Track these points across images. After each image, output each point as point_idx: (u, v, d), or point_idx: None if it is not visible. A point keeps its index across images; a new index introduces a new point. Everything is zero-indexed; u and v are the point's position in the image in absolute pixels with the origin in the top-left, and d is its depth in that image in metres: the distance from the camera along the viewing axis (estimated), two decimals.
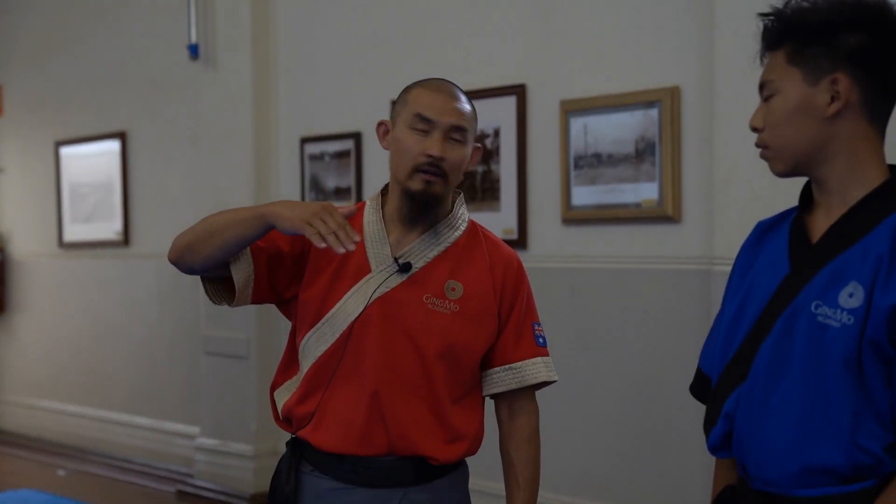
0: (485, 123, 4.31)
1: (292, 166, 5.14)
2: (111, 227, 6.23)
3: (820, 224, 1.64)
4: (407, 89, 2.06)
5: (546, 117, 4.12)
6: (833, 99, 1.59)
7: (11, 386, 7.05)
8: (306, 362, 2.04)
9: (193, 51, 5.25)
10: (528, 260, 4.20)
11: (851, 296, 1.54)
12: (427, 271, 2.02)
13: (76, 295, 6.49)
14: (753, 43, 1.73)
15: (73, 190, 6.51)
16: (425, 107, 1.99)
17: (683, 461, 3.70)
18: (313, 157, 5.05)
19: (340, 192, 4.92)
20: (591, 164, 3.96)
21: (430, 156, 1.96)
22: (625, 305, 3.92)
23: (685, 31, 3.73)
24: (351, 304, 2.00)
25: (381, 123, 2.09)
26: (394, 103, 2.11)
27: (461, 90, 2.08)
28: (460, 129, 1.99)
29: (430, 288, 2.01)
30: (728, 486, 1.78)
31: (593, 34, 4.00)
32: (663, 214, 3.77)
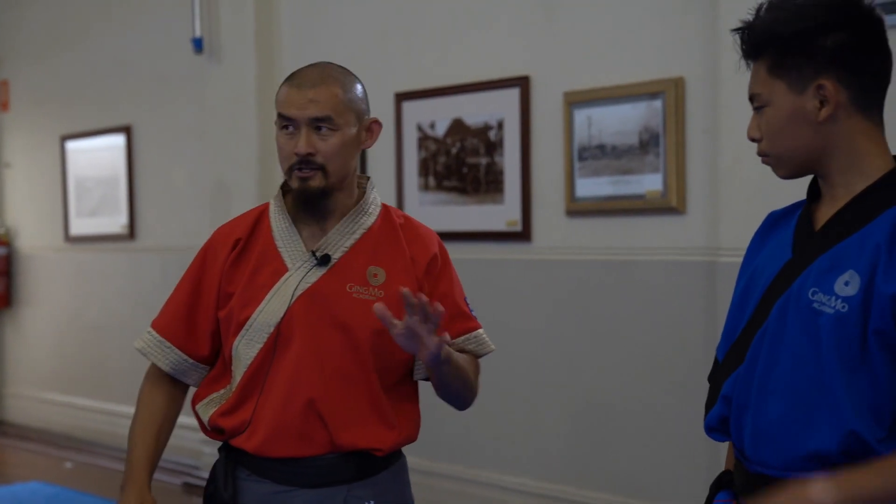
0: (489, 115, 4.31)
1: None
2: (117, 221, 6.24)
3: (824, 214, 1.66)
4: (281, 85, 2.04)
5: (550, 109, 4.12)
6: (822, 104, 1.60)
7: (19, 379, 7.08)
8: (238, 370, 2.01)
9: (198, 45, 5.26)
10: (532, 252, 4.21)
11: (847, 284, 1.55)
12: (346, 260, 2.01)
13: (82, 288, 6.51)
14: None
15: (78, 184, 6.52)
16: (284, 105, 1.97)
17: (689, 451, 3.71)
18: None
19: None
20: (595, 155, 3.96)
21: (298, 154, 1.94)
22: (630, 297, 3.92)
23: (689, 22, 3.72)
24: (273, 306, 1.98)
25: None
26: None
27: (335, 70, 2.03)
28: (324, 119, 1.95)
29: (352, 277, 2.00)
30: (726, 470, 1.81)
31: (597, 26, 3.99)
32: (668, 206, 3.77)
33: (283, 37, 5.18)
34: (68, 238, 6.62)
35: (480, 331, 2.10)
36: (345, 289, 1.98)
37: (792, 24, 1.60)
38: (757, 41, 1.64)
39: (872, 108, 1.63)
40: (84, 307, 6.50)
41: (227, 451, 2.06)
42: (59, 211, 6.68)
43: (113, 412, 6.29)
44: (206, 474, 5.31)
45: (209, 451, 5.36)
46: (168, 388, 2.13)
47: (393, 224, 2.08)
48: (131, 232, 6.15)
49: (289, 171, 1.98)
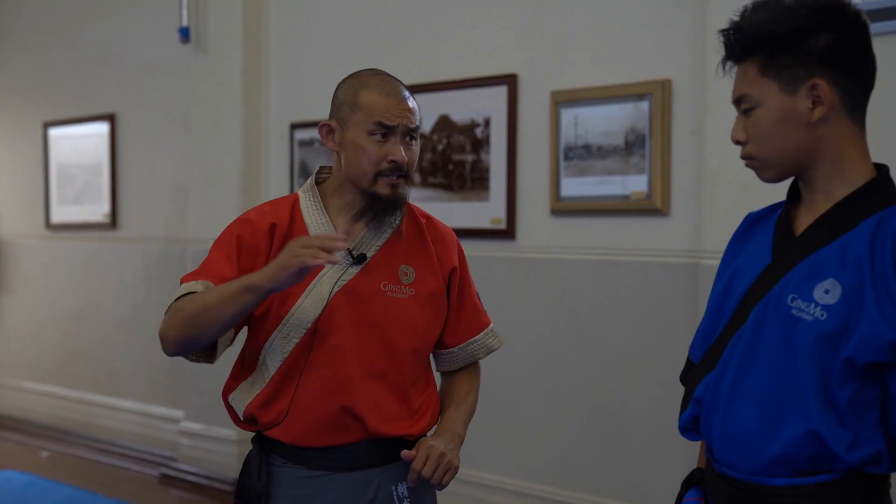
0: (475, 113, 4.31)
1: (281, 151, 5.13)
2: (99, 210, 6.20)
3: (805, 219, 1.66)
4: (354, 90, 2.07)
5: (537, 108, 4.12)
6: (815, 104, 1.60)
7: None
8: (274, 361, 2.04)
9: (184, 34, 5.23)
10: (517, 250, 4.21)
11: (827, 292, 1.55)
12: (379, 259, 2.07)
13: (63, 277, 6.47)
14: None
15: (61, 171, 6.48)
16: (383, 113, 2.02)
17: (670, 451, 3.72)
18: (303, 143, 5.04)
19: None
20: (581, 155, 3.96)
21: (394, 161, 2.01)
22: (613, 297, 3.92)
23: (677, 23, 3.73)
24: (310, 302, 2.02)
25: (323, 125, 2.12)
26: (336, 102, 2.12)
27: (403, 84, 2.11)
28: (415, 129, 2.05)
29: (385, 275, 2.06)
30: (697, 468, 1.83)
31: (585, 25, 3.99)
32: (652, 207, 3.78)
33: (271, 29, 5.15)
34: (49, 226, 6.57)
35: (492, 326, 2.26)
36: (379, 287, 2.05)
37: (785, 24, 1.60)
38: (747, 41, 1.64)
39: (858, 111, 1.64)
40: (64, 296, 6.46)
41: (260, 441, 2.10)
42: (40, 198, 6.64)
43: (91, 402, 6.26)
44: (183, 466, 5.31)
45: (186, 443, 5.34)
46: None
47: (418, 222, 2.15)
48: (113, 221, 6.11)
49: (375, 177, 2.02)
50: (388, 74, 2.10)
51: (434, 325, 2.12)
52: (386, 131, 2.01)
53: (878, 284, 1.52)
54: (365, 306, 2.02)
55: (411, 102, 2.06)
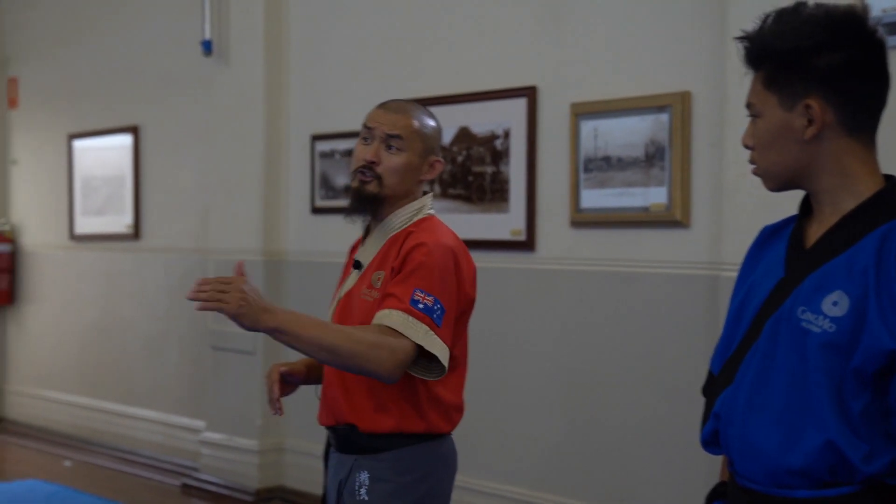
0: (495, 125, 4.32)
1: (302, 163, 5.16)
2: (122, 221, 6.26)
3: (815, 232, 1.67)
4: None
5: (556, 120, 4.13)
6: (810, 122, 1.60)
7: (20, 376, 7.09)
8: None
9: (207, 47, 5.28)
10: (536, 262, 4.21)
11: (836, 304, 1.55)
12: (370, 266, 2.31)
13: (86, 287, 6.52)
14: None
15: (85, 183, 6.54)
16: (368, 118, 2.31)
17: (690, 463, 3.71)
18: (323, 155, 5.06)
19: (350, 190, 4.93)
20: (601, 167, 3.96)
21: (365, 159, 2.26)
22: (632, 309, 3.92)
23: (697, 36, 3.73)
24: (332, 307, 2.37)
25: None
26: None
27: (420, 111, 2.33)
28: (395, 137, 2.26)
29: (367, 281, 2.29)
30: (721, 481, 1.82)
31: (605, 38, 4.00)
32: (672, 219, 3.77)
33: (292, 42, 5.19)
34: (73, 236, 6.63)
35: (396, 311, 2.12)
36: (361, 291, 2.28)
37: (788, 41, 1.60)
38: (755, 54, 1.65)
39: (863, 130, 1.62)
40: (87, 306, 6.51)
41: None
42: (64, 209, 6.70)
43: (113, 412, 6.30)
44: (204, 476, 5.33)
45: (208, 453, 5.36)
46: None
47: (408, 232, 2.27)
48: (136, 232, 6.16)
49: (353, 174, 2.30)
50: (412, 102, 2.39)
51: None
52: (368, 135, 2.28)
53: (881, 292, 1.52)
54: (349, 309, 2.28)
55: (399, 114, 2.28)
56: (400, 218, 2.29)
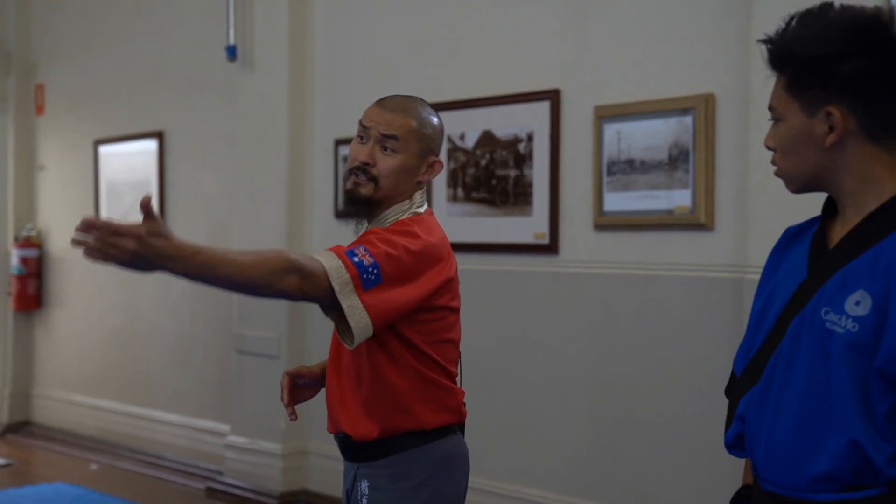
0: (518, 128, 4.32)
1: (326, 167, 5.17)
2: None
3: (837, 232, 1.66)
4: None
5: (580, 123, 4.12)
6: (831, 129, 1.59)
7: (47, 380, 7.14)
8: None
9: (231, 52, 5.31)
10: (560, 265, 4.21)
11: (858, 304, 1.55)
12: None
13: (112, 292, 6.57)
14: None
15: (110, 188, 6.59)
16: (364, 116, 2.21)
17: (714, 466, 3.69)
18: (347, 159, 5.08)
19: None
20: (624, 170, 3.95)
21: (359, 160, 2.17)
22: (656, 312, 3.91)
23: (720, 38, 3.72)
24: None
25: None
26: None
27: (420, 109, 2.21)
28: (391, 138, 2.16)
29: None
30: (745, 485, 1.82)
31: (628, 40, 3.99)
32: (696, 222, 3.76)
33: (317, 46, 5.21)
34: None
35: (329, 252, 2.03)
36: None
37: (810, 48, 1.59)
38: (777, 57, 1.65)
39: (885, 135, 1.61)
40: (113, 310, 6.56)
41: None
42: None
43: (138, 416, 6.34)
44: (229, 479, 5.35)
45: (232, 457, 5.39)
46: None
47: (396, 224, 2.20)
48: None
49: (347, 174, 2.21)
50: (412, 97, 2.25)
51: None
52: (364, 134, 2.19)
53: None
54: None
55: (396, 113, 2.17)
56: (389, 218, 2.19)
